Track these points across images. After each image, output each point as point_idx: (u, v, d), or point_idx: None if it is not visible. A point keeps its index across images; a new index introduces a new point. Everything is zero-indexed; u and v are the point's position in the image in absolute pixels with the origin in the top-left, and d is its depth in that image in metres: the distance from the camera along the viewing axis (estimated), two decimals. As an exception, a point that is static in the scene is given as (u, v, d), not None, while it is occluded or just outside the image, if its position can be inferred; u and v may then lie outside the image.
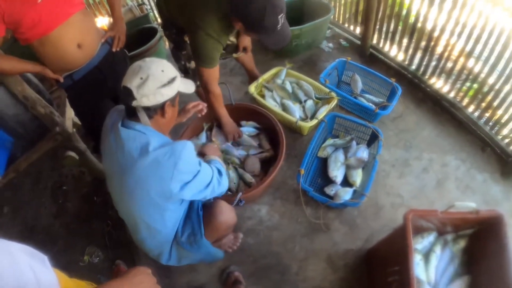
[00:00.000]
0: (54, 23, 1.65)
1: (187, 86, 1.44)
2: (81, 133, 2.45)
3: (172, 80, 1.29)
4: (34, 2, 1.56)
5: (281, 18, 1.63)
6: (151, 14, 4.17)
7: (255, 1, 1.56)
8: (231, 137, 2.30)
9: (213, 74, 1.97)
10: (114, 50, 1.97)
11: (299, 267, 1.94)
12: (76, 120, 2.38)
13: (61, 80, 1.85)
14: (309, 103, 2.59)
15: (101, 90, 1.99)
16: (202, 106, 1.86)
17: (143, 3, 4.06)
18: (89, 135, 2.37)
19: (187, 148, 1.30)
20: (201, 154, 1.79)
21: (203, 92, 2.17)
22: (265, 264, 1.97)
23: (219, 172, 1.55)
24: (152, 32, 3.37)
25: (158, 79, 1.25)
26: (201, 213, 1.58)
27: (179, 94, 1.41)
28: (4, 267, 0.68)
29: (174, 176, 1.26)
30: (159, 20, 4.37)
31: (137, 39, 3.30)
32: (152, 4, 4.28)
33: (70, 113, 2.31)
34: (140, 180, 1.28)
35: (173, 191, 1.29)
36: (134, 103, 1.26)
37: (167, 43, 3.83)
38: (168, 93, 1.29)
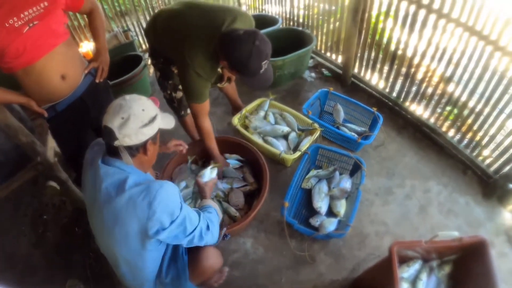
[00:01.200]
0: (39, 54, 1.63)
1: (167, 122, 1.43)
2: (62, 161, 2.40)
3: (153, 119, 1.28)
4: (20, 32, 1.54)
5: (265, 64, 1.68)
6: (136, 40, 4.18)
7: (243, 44, 1.61)
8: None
9: (204, 108, 2.02)
10: (97, 81, 1.96)
11: (285, 300, 1.92)
12: (58, 149, 2.33)
13: (45, 114, 1.82)
14: (292, 135, 2.62)
15: (83, 121, 1.97)
16: (183, 147, 1.96)
17: (129, 29, 4.06)
18: (71, 167, 2.31)
19: (165, 189, 1.26)
20: (200, 190, 1.78)
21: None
22: (251, 298, 1.94)
23: (207, 227, 1.48)
24: (137, 59, 3.36)
25: (139, 119, 1.23)
26: (186, 258, 1.55)
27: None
28: None
29: (150, 217, 1.23)
30: (144, 46, 4.39)
31: (122, 66, 3.29)
32: (137, 30, 4.30)
33: (51, 142, 2.27)
34: (118, 219, 1.25)
35: (148, 232, 1.26)
36: (116, 143, 1.24)
37: (151, 70, 3.84)
38: (150, 132, 1.27)
